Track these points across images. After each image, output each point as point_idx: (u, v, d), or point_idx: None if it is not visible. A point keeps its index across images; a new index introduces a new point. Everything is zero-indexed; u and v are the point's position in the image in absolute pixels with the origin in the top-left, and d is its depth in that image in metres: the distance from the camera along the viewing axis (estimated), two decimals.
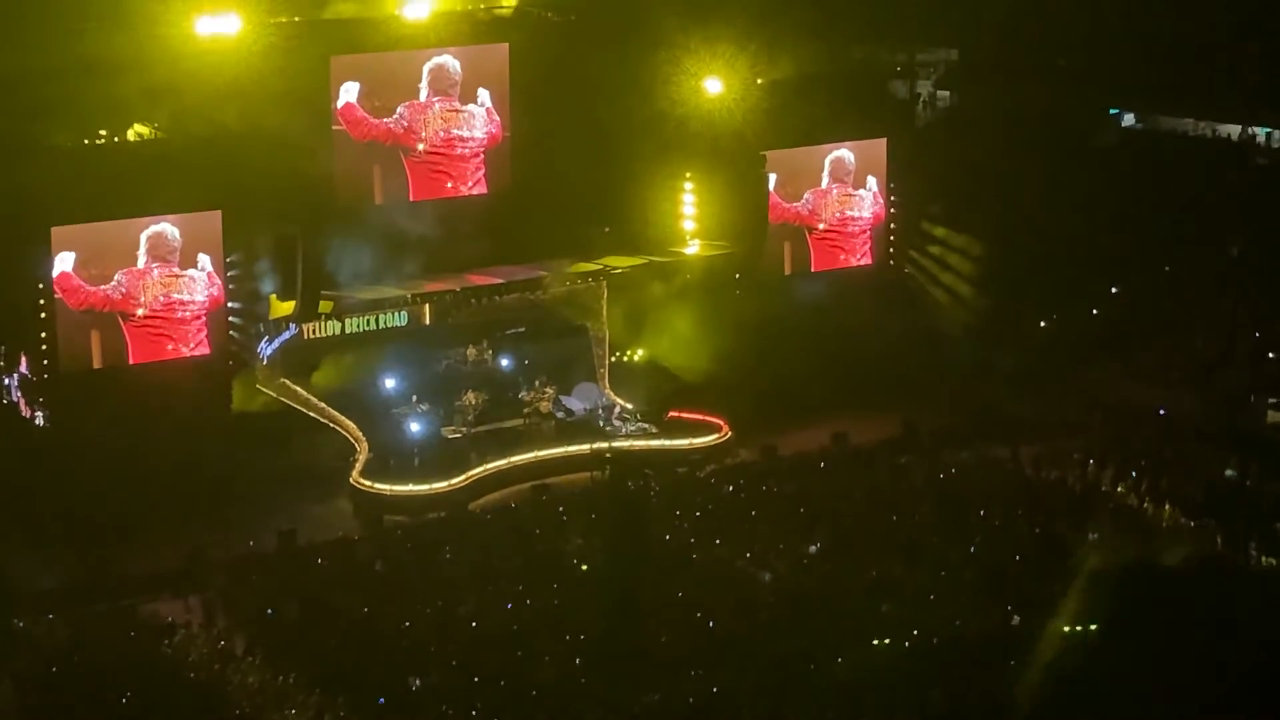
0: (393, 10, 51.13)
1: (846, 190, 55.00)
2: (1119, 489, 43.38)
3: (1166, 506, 41.92)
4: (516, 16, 53.37)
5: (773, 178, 53.97)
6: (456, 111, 51.60)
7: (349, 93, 50.11)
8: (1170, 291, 54.57)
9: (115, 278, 44.78)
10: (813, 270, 55.08)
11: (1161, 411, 48.03)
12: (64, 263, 44.13)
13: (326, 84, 49.85)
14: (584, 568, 38.96)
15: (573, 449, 46.88)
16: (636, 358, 51.11)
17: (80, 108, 46.26)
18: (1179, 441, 45.61)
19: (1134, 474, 43.59)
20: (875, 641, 34.88)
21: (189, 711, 32.86)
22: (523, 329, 51.79)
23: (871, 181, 55.34)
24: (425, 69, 51.01)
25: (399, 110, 50.80)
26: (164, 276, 45.32)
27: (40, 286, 43.83)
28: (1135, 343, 52.36)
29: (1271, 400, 48.80)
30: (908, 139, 57.01)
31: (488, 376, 50.43)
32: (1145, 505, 42.21)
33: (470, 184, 52.24)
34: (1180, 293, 54.06)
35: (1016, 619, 35.53)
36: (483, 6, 53.60)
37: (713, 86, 53.00)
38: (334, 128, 50.13)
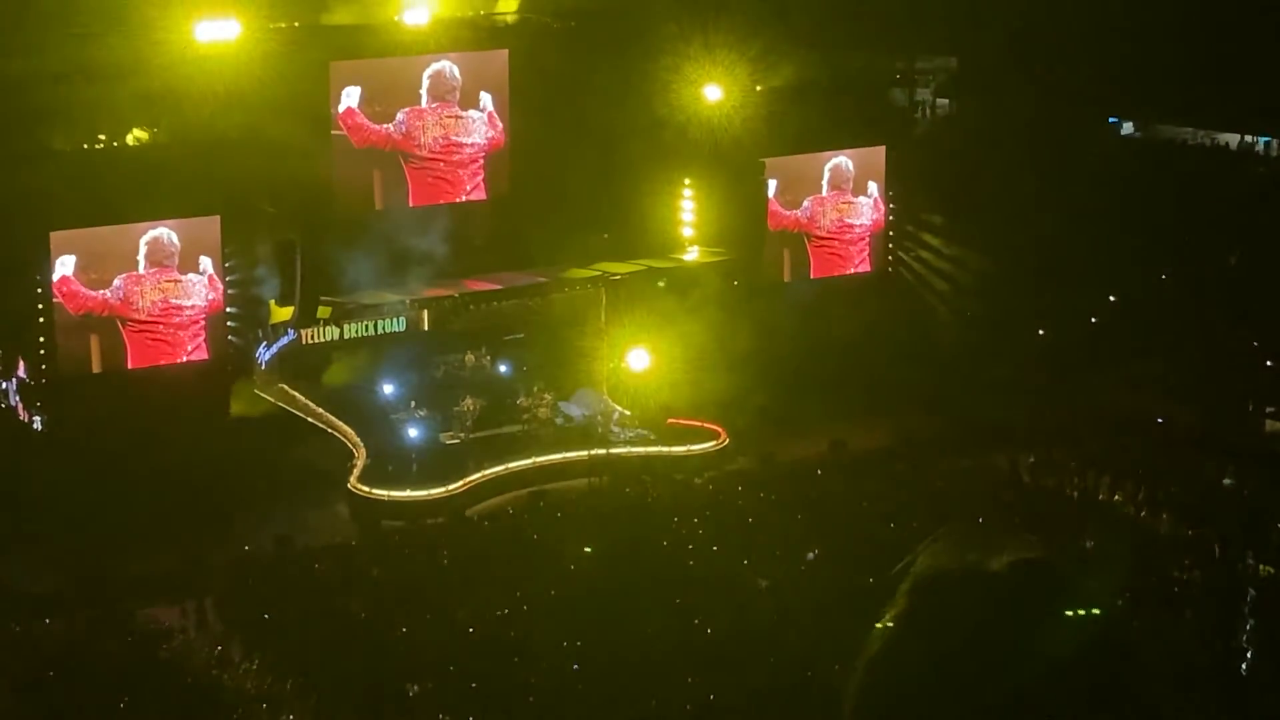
0: (392, 16, 51.15)
1: (846, 197, 55.05)
2: (1116, 498, 43.41)
3: (1164, 515, 41.96)
4: (516, 23, 53.41)
5: (772, 185, 54.05)
6: (456, 118, 51.62)
7: (350, 97, 50.12)
8: (1168, 300, 54.58)
9: (114, 282, 44.82)
10: (812, 277, 55.13)
11: (1159, 420, 48.07)
12: (65, 266, 44.15)
13: (326, 89, 49.89)
14: (573, 567, 38.92)
15: (571, 455, 46.85)
16: (634, 367, 50.86)
17: (79, 112, 46.30)
18: (1177, 450, 45.63)
19: (1132, 483, 43.62)
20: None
21: (186, 716, 32.86)
22: (521, 335, 51.81)
23: (871, 188, 55.42)
24: (425, 75, 51.03)
25: (399, 116, 50.84)
26: (163, 281, 45.34)
27: (39, 290, 43.86)
28: (1133, 351, 52.36)
29: (1269, 409, 48.84)
30: (907, 146, 57.07)
31: (486, 382, 50.44)
32: (1143, 514, 42.25)
33: (469, 190, 52.26)
34: (1179, 301, 54.05)
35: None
36: (483, 13, 53.63)
37: (712, 93, 53.07)
38: (334, 133, 50.16)
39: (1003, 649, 4.25)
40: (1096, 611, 4.36)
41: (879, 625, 4.30)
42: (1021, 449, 45.85)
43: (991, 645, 4.26)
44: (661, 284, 51.90)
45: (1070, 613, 4.35)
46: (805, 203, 54.58)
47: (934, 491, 44.00)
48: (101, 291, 44.67)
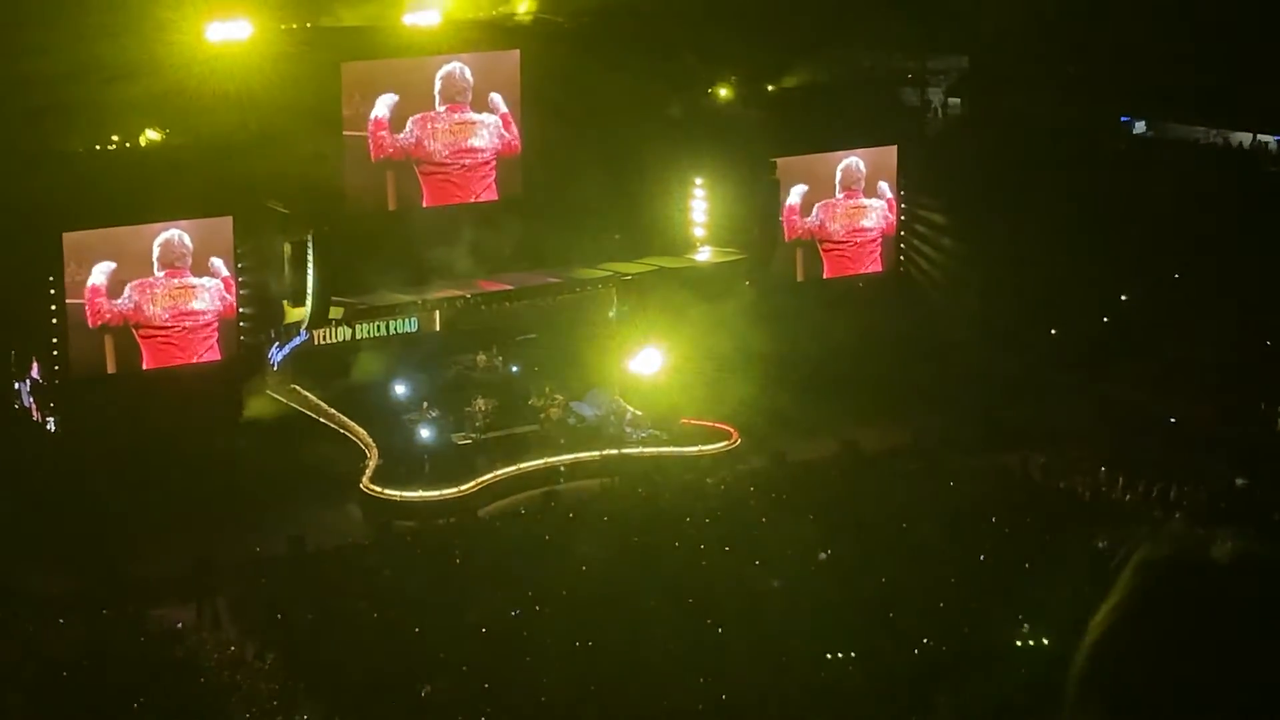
0: (403, 17, 51.14)
1: (858, 200, 55.00)
2: (1128, 498, 43.40)
3: (1177, 515, 41.93)
4: (528, 23, 53.32)
5: (795, 194, 53.92)
6: (467, 123, 51.56)
7: (383, 106, 49.91)
8: (1181, 299, 54.53)
9: (126, 289, 44.68)
10: (824, 278, 55.08)
11: (1172, 419, 48.01)
12: (100, 275, 43.98)
13: (338, 90, 49.89)
14: (584, 568, 38.95)
15: (583, 455, 46.87)
16: (645, 368, 50.63)
17: (92, 113, 46.30)
18: (1189, 450, 45.59)
19: (1144, 482, 43.59)
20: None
21: (199, 717, 32.92)
22: (533, 335, 51.85)
23: (883, 188, 55.39)
24: (437, 77, 51.03)
25: (409, 124, 50.76)
26: (174, 286, 45.25)
27: (52, 292, 43.86)
28: (1145, 350, 52.27)
29: None
30: (918, 146, 57.05)
31: (498, 383, 50.48)
32: (1155, 514, 42.22)
33: (480, 191, 52.22)
34: (1190, 300, 53.99)
35: (1026, 627, 35.59)
36: (494, 13, 53.59)
37: (723, 93, 53.09)
38: (346, 133, 50.14)
39: (1226, 639, 4.34)
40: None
41: (1099, 614, 4.35)
42: (1034, 448, 45.83)
43: (1216, 634, 4.34)
44: (699, 283, 51.68)
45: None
46: (815, 209, 54.51)
47: (947, 492, 44.03)
48: (115, 300, 44.57)
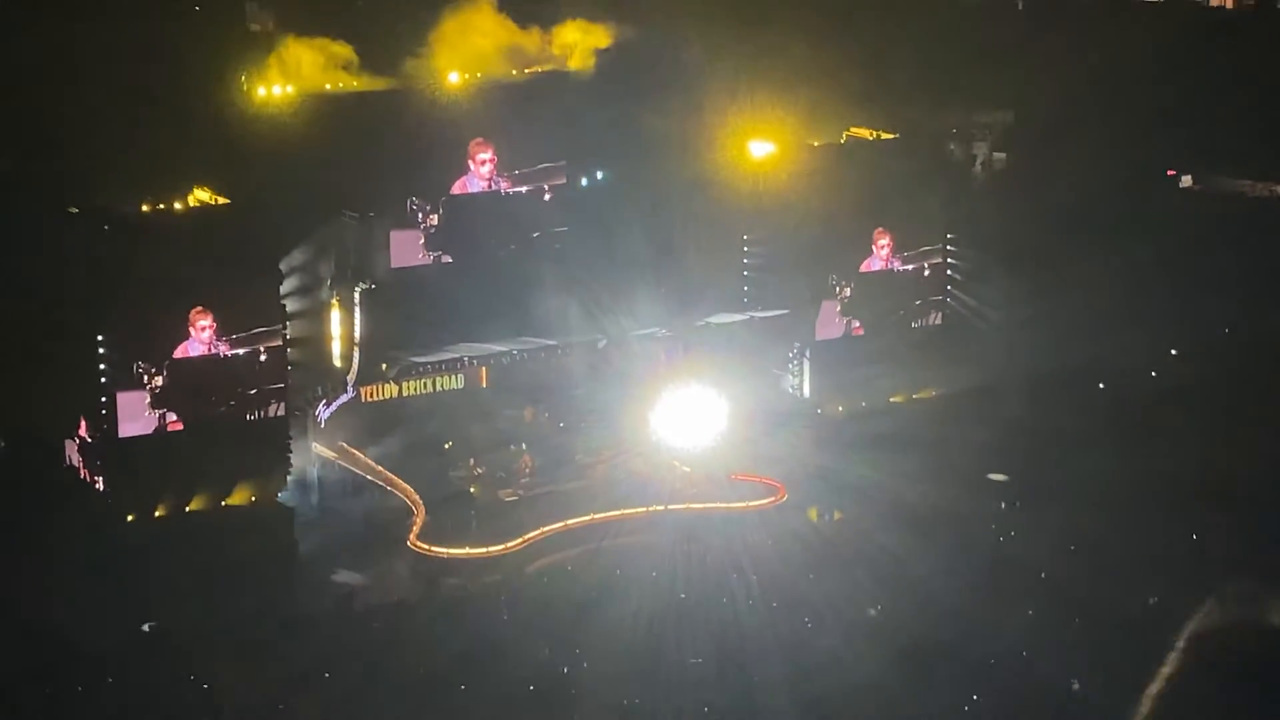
0: (440, 77, 51.35)
1: (902, 254, 54.80)
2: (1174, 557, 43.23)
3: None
4: (567, 81, 53.37)
5: (839, 248, 53.90)
6: (505, 178, 51.63)
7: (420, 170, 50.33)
8: (1228, 355, 54.26)
9: (169, 349, 44.68)
10: (869, 334, 54.78)
11: (1217, 480, 47.43)
12: (141, 335, 44.10)
13: (380, 153, 49.82)
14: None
15: (629, 511, 46.78)
16: (693, 423, 50.48)
17: (140, 174, 46.52)
18: (1234, 512, 45.17)
19: (1188, 545, 43.44)
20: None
21: None
22: (580, 391, 51.85)
23: (929, 243, 55.13)
24: (471, 143, 51.16)
25: (449, 189, 50.90)
26: (219, 341, 45.26)
27: (101, 351, 43.93)
28: (1193, 405, 51.91)
29: None
30: (965, 200, 56.91)
31: (545, 439, 50.49)
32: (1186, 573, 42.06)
33: (524, 248, 52.14)
34: (1238, 356, 53.74)
35: (1075, 685, 35.47)
36: (530, 71, 53.69)
37: (767, 150, 53.16)
38: (389, 192, 50.22)
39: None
40: None
41: (1162, 671, 4.37)
42: (1080, 506, 45.52)
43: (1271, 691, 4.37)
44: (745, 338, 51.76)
45: None
46: (861, 262, 54.31)
47: (994, 547, 43.89)
48: (159, 358, 44.55)
